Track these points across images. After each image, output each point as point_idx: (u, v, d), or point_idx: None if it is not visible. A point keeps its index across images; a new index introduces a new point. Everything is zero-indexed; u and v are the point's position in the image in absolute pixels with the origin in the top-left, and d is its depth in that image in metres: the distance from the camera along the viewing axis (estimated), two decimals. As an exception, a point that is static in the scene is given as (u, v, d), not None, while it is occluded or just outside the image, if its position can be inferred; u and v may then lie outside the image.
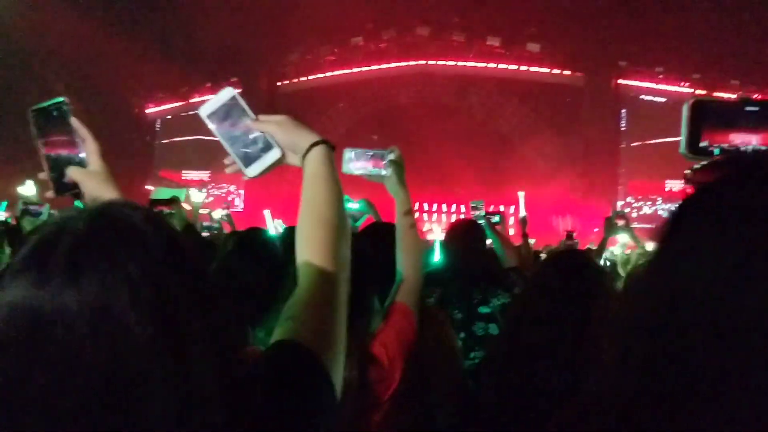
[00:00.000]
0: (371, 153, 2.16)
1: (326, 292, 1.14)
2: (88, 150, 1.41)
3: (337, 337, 1.10)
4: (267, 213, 7.34)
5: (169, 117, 25.58)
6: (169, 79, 22.62)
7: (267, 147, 1.36)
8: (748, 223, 0.58)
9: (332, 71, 23.85)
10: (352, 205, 3.98)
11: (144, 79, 22.10)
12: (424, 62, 22.83)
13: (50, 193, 1.43)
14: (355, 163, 2.15)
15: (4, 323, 0.69)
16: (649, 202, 21.61)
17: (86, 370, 0.68)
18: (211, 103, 1.39)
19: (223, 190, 24.74)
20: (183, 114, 24.26)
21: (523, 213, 6.20)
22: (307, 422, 0.94)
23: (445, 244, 3.50)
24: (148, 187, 20.86)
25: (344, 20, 20.57)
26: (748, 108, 1.02)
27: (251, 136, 1.37)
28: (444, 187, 20.99)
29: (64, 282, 0.70)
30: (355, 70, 23.54)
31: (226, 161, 1.42)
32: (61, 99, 1.42)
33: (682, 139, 1.04)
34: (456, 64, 22.62)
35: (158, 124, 26.09)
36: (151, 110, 25.66)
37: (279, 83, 24.62)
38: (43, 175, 1.43)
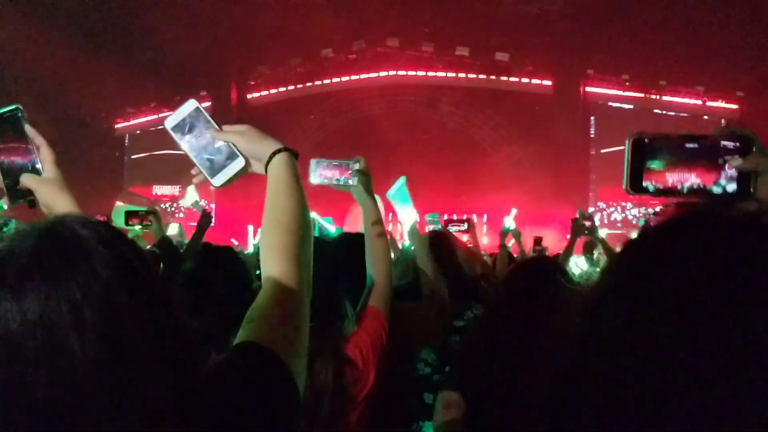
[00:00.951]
0: (336, 163, 2.20)
1: (288, 296, 1.15)
2: (43, 157, 1.41)
3: (298, 338, 1.11)
4: (251, 228, 7.31)
5: (138, 132, 25.37)
6: (138, 94, 22.45)
7: (231, 156, 1.38)
8: (677, 279, 0.58)
9: (302, 83, 23.86)
10: (330, 229, 4.07)
11: (112, 95, 21.90)
12: (394, 73, 22.93)
13: (5, 201, 1.42)
14: (322, 173, 2.19)
15: None
16: (619, 208, 21.89)
17: (27, 392, 0.67)
18: (175, 116, 1.40)
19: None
20: (152, 129, 24.08)
21: (511, 225, 6.26)
22: (271, 422, 0.93)
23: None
24: (118, 203, 20.63)
25: (314, 32, 20.61)
26: (688, 144, 1.02)
27: (215, 147, 1.38)
28: (416, 196, 21.04)
29: (7, 305, 0.68)
30: (326, 81, 23.58)
31: (193, 172, 1.43)
32: (15, 106, 1.42)
33: (624, 175, 1.04)
34: (426, 75, 22.76)
35: (127, 140, 25.87)
36: (120, 125, 25.43)
37: (249, 95, 24.56)
38: None
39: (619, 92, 22.37)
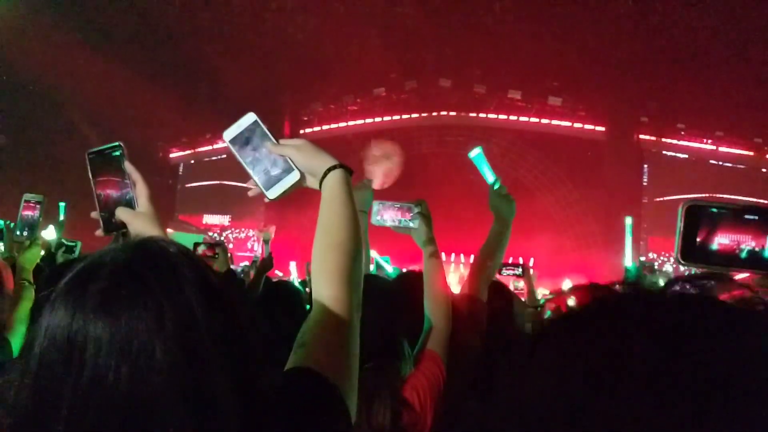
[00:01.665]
0: (399, 205, 2.21)
1: (339, 317, 1.15)
2: (138, 192, 1.48)
3: (350, 362, 1.11)
4: (293, 265, 7.32)
5: (192, 162, 25.98)
6: (194, 124, 23.05)
7: (287, 170, 1.39)
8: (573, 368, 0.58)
9: (354, 120, 24.17)
10: (387, 268, 4.07)
11: (169, 125, 22.52)
12: (445, 113, 23.04)
13: (99, 232, 1.50)
14: (384, 214, 2.20)
15: (42, 346, 0.75)
16: (671, 259, 21.37)
17: (109, 390, 0.73)
18: (234, 128, 1.43)
19: (243, 234, 24.91)
20: (206, 159, 24.65)
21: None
22: None
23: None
24: (169, 230, 21.03)
25: (367, 70, 20.92)
26: (747, 216, 0.98)
27: (272, 160, 1.40)
28: (462, 237, 20.98)
29: (97, 311, 0.75)
30: (377, 119, 23.84)
31: (249, 184, 1.44)
32: (117, 143, 1.52)
33: (675, 243, 0.99)
34: (477, 116, 22.81)
35: (181, 169, 26.50)
36: (174, 155, 26.09)
37: (302, 131, 24.97)
38: (95, 214, 1.51)
39: (674, 141, 22.04)
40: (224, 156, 24.32)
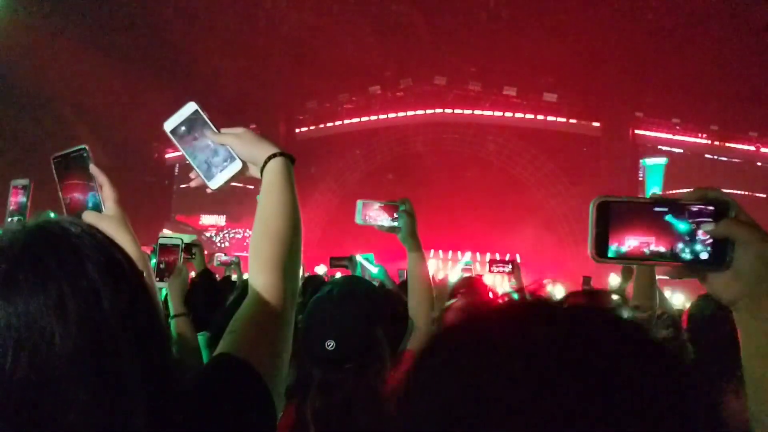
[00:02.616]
0: (382, 204, 2.19)
1: (271, 306, 1.13)
2: (105, 195, 1.45)
3: (279, 352, 1.09)
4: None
5: (188, 162, 25.93)
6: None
7: (228, 159, 1.37)
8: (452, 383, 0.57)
9: (350, 119, 24.18)
10: (371, 268, 4.04)
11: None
12: (440, 111, 23.07)
13: None
14: (367, 214, 2.19)
15: None
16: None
17: (5, 377, 0.69)
18: (174, 118, 1.40)
19: (240, 235, 24.89)
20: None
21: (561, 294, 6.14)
22: None
23: None
24: (165, 231, 21.03)
25: (363, 69, 20.93)
26: (658, 208, 0.97)
27: (213, 149, 1.39)
28: (457, 233, 21.00)
29: None
30: (373, 117, 23.85)
31: (192, 175, 1.44)
32: (81, 147, 1.48)
33: (589, 240, 0.98)
34: (472, 113, 22.86)
35: (177, 169, 26.46)
36: (170, 155, 26.06)
37: (297, 130, 24.96)
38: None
39: (669, 136, 22.08)
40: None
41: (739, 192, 22.02)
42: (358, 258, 4.35)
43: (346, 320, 1.78)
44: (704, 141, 21.83)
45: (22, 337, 0.70)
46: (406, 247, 2.17)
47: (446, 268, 21.85)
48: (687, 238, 0.95)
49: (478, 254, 21.32)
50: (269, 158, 1.31)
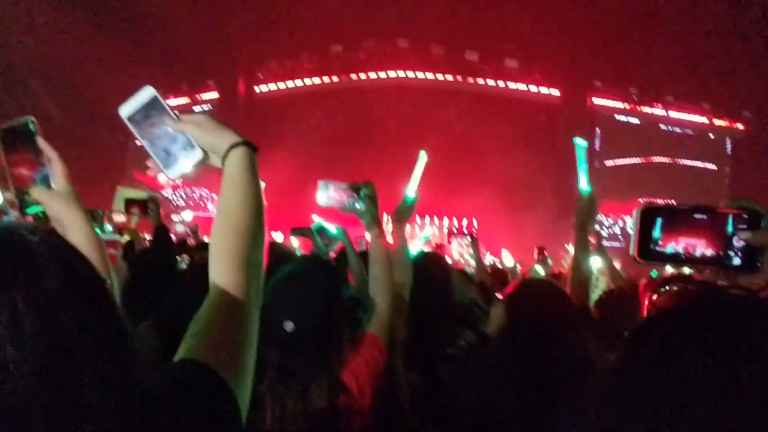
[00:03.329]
0: (345, 186, 2.19)
1: (235, 306, 1.08)
2: (54, 171, 1.39)
3: (244, 355, 1.05)
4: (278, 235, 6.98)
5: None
6: (145, 80, 22.40)
7: (188, 148, 1.32)
8: (689, 356, 0.60)
9: (310, 78, 23.83)
10: (330, 228, 4.01)
11: (119, 80, 21.91)
12: (402, 74, 22.91)
13: (15, 213, 1.40)
14: (329, 195, 2.18)
15: None
16: (620, 221, 21.89)
17: None
18: (130, 103, 1.35)
19: (196, 194, 24.55)
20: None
21: (510, 263, 6.20)
22: None
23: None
24: (120, 188, 20.60)
25: (324, 27, 20.61)
26: (697, 215, 1.06)
27: (172, 137, 1.33)
28: (420, 198, 21.03)
29: None
30: (334, 78, 23.55)
31: (149, 163, 1.38)
32: (27, 119, 1.40)
33: (632, 243, 1.07)
34: (434, 77, 22.74)
35: (132, 125, 25.81)
36: (125, 110, 25.38)
37: (256, 88, 24.52)
38: (9, 195, 1.42)
39: (626, 105, 22.36)
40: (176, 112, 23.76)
41: (691, 163, 22.55)
42: (317, 219, 4.30)
43: (305, 302, 1.79)
44: (660, 111, 22.16)
45: None
46: (368, 230, 2.18)
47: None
48: (724, 243, 1.04)
49: (435, 218, 21.47)
50: (230, 148, 1.24)
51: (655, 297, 2.27)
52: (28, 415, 0.66)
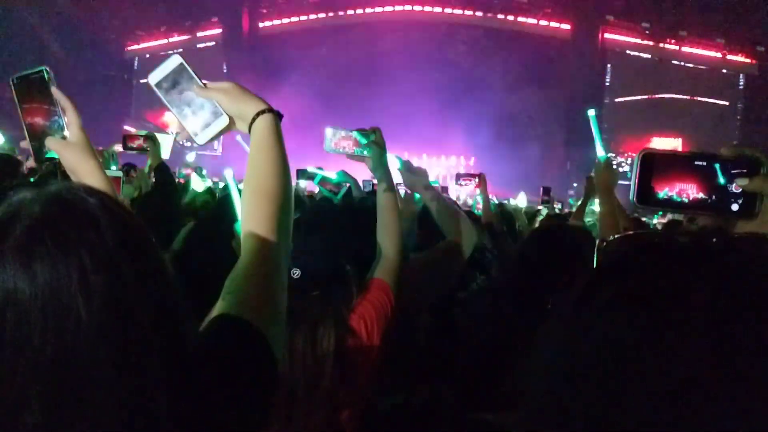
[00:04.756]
0: (352, 133, 2.18)
1: (267, 266, 1.14)
2: (69, 121, 1.39)
3: (277, 309, 1.12)
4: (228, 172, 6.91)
5: (148, 56, 25.11)
6: (148, 17, 22.13)
7: (215, 114, 1.35)
8: (645, 301, 0.59)
9: (316, 14, 23.49)
10: (330, 175, 3.99)
11: (123, 17, 21.60)
12: (409, 8, 22.53)
13: (31, 162, 1.44)
14: (336, 142, 2.18)
15: None
16: (630, 160, 21.78)
17: (34, 353, 0.70)
18: (158, 71, 1.37)
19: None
20: (162, 53, 23.82)
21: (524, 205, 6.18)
22: (249, 395, 0.97)
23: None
24: (127, 127, 20.57)
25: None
26: (697, 162, 1.07)
27: (199, 103, 1.36)
28: (428, 136, 20.98)
29: (16, 267, 0.71)
30: (340, 13, 23.21)
31: (177, 129, 1.41)
32: (42, 68, 1.40)
33: (631, 188, 1.09)
34: (442, 11, 22.38)
35: (137, 63, 25.64)
36: (130, 48, 25.17)
37: (261, 24, 24.19)
38: (25, 144, 1.44)
39: (638, 41, 21.98)
40: (180, 51, 23.54)
41: (703, 99, 22.28)
42: (313, 170, 4.29)
43: (312, 248, 1.80)
44: (672, 47, 21.79)
45: (47, 312, 0.71)
46: (375, 177, 2.18)
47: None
48: (722, 190, 1.06)
49: (443, 157, 21.47)
50: (257, 114, 1.29)
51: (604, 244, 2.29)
52: (95, 361, 0.72)
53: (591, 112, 2.80)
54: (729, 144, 1.10)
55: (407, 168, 2.42)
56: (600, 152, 2.75)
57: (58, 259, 0.72)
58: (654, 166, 1.09)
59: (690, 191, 1.07)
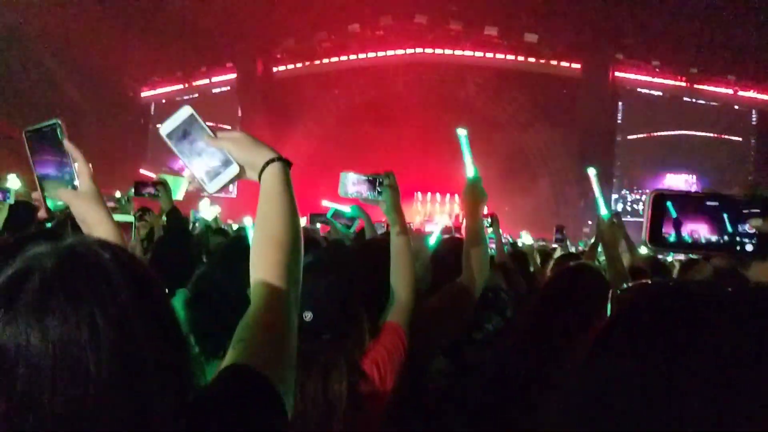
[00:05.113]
0: (366, 177, 2.21)
1: (277, 313, 1.14)
2: (79, 171, 1.42)
3: (287, 358, 1.11)
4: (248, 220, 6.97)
5: (164, 101, 25.48)
6: (165, 62, 22.52)
7: (226, 163, 1.38)
8: (657, 348, 0.62)
9: (328, 58, 23.80)
10: (344, 209, 4.01)
11: (140, 62, 21.99)
12: (421, 50, 22.77)
13: (42, 213, 1.46)
14: (351, 186, 2.21)
15: None
16: (643, 197, 21.68)
17: (44, 407, 0.71)
18: (170, 122, 1.40)
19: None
20: (178, 99, 24.19)
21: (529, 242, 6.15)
22: None
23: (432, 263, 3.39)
24: (143, 171, 20.79)
25: (342, 6, 20.50)
26: (710, 202, 1.06)
27: (210, 153, 1.39)
28: (435, 174, 21.02)
29: (29, 322, 0.72)
30: (351, 57, 23.49)
31: (188, 178, 1.44)
32: (54, 121, 1.43)
33: (643, 228, 1.08)
34: (453, 53, 22.59)
35: (153, 108, 26.01)
36: (146, 93, 25.56)
37: (274, 68, 24.54)
38: (36, 195, 1.47)
39: (649, 78, 22.07)
40: (196, 96, 23.88)
41: (715, 135, 22.24)
42: (328, 205, 4.30)
43: (324, 291, 1.79)
44: (683, 84, 21.85)
45: (58, 366, 0.71)
46: (389, 220, 2.19)
47: (425, 210, 22.14)
48: (736, 230, 1.04)
49: (456, 196, 21.41)
50: (267, 163, 1.31)
51: (618, 293, 2.28)
52: (103, 414, 0.73)
53: (591, 171, 2.80)
54: (744, 182, 1.09)
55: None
56: (603, 210, 2.73)
57: (69, 313, 0.73)
58: (666, 206, 1.08)
59: (703, 231, 1.06)
